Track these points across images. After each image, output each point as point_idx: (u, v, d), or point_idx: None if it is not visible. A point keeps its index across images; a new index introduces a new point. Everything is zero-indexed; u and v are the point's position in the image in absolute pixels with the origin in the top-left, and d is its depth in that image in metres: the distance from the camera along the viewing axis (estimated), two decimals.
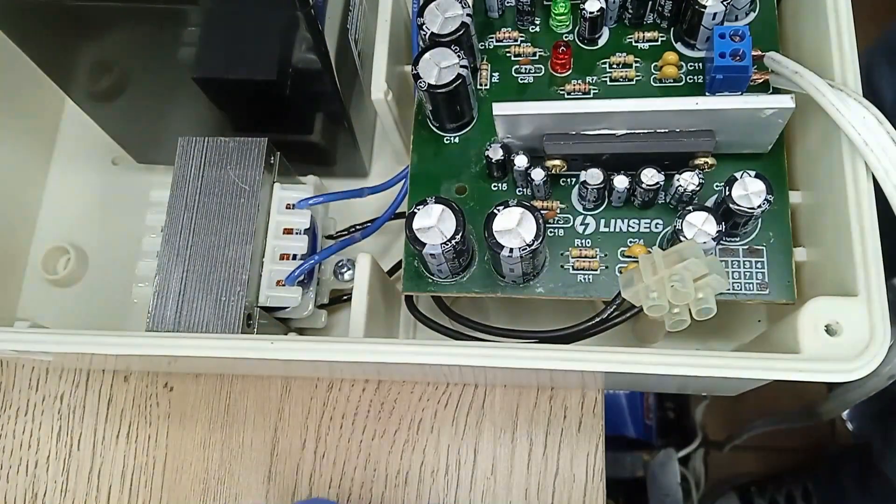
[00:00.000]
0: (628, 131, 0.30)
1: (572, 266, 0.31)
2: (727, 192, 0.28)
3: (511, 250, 0.28)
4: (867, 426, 0.72)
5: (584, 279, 0.31)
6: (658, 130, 0.29)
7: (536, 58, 0.34)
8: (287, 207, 0.36)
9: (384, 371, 0.37)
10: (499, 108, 0.29)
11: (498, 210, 0.29)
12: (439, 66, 0.31)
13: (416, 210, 0.29)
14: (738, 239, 0.31)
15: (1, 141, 0.41)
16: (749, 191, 0.28)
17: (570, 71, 0.34)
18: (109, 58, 0.35)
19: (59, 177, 0.45)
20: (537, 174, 0.31)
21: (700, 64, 0.33)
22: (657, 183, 0.30)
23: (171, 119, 0.39)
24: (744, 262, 0.31)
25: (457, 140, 0.34)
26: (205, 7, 0.30)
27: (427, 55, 0.31)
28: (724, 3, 0.30)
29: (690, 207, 0.29)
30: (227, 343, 0.30)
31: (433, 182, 0.33)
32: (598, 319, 0.31)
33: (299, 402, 0.39)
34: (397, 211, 0.36)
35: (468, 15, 0.32)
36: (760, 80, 0.31)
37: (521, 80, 0.34)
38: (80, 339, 0.31)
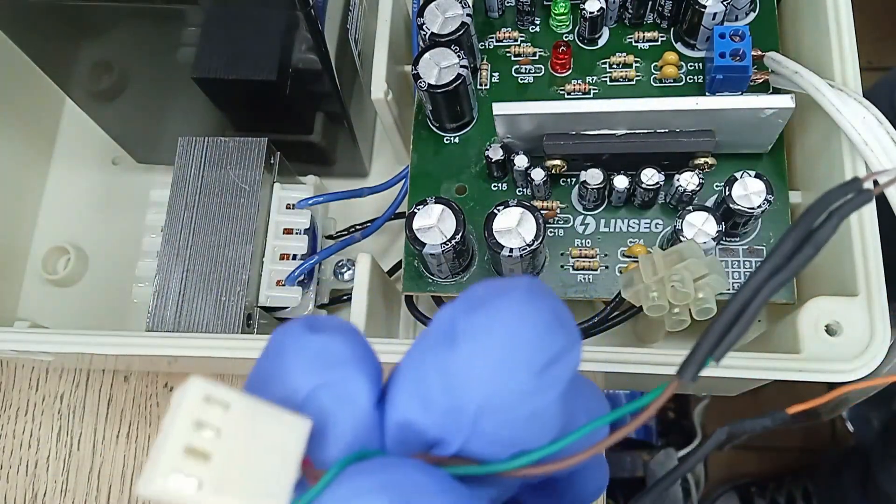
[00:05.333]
0: (628, 131, 0.30)
1: (572, 266, 0.31)
2: (727, 192, 0.28)
3: (511, 250, 0.28)
4: (869, 435, 0.72)
5: (584, 279, 0.31)
6: (658, 130, 0.29)
7: (536, 58, 0.34)
8: (287, 207, 0.36)
9: (384, 371, 0.37)
10: (499, 108, 0.29)
11: (498, 210, 0.29)
12: (439, 66, 0.31)
13: (416, 210, 0.29)
14: (738, 239, 0.31)
15: (1, 141, 0.41)
16: (749, 191, 0.28)
17: (570, 71, 0.34)
18: (109, 58, 0.35)
19: (59, 177, 0.45)
20: (537, 174, 0.31)
21: (700, 64, 0.33)
22: (657, 183, 0.30)
23: (171, 119, 0.39)
24: (744, 262, 0.31)
25: (457, 140, 0.34)
26: (205, 7, 0.30)
27: (427, 55, 0.31)
28: (724, 3, 0.30)
29: (690, 207, 0.29)
30: (227, 343, 0.30)
31: (433, 182, 0.33)
32: (597, 319, 0.31)
33: None
34: (397, 211, 0.36)
35: (468, 15, 0.32)
36: (760, 80, 0.31)
37: (521, 80, 0.34)
38: (80, 339, 0.31)
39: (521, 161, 0.31)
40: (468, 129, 0.34)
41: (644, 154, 0.30)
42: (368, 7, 0.37)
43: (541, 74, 0.34)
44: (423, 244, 0.29)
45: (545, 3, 0.34)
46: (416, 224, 0.29)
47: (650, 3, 0.33)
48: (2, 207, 0.41)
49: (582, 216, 0.32)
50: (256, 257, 0.34)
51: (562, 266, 0.31)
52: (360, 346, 0.15)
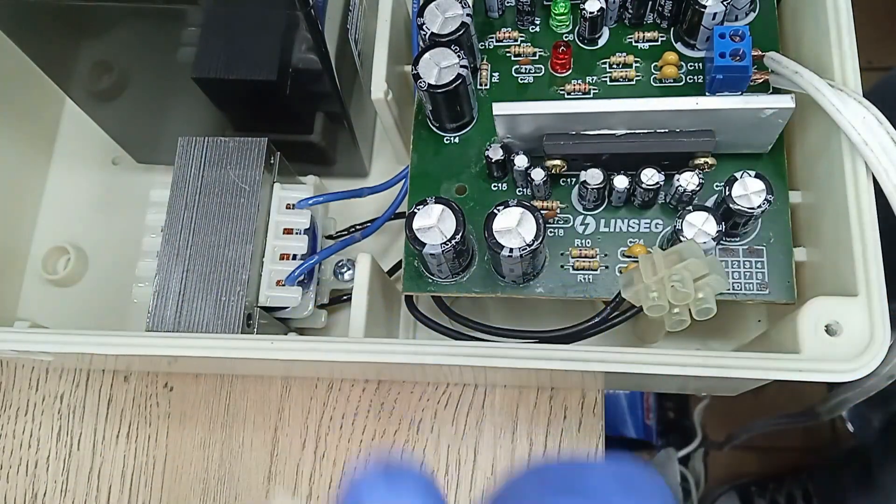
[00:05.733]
0: (628, 131, 0.30)
1: (572, 266, 0.31)
2: (727, 192, 0.28)
3: (511, 250, 0.28)
4: (870, 433, 0.72)
5: (584, 279, 0.31)
6: (658, 130, 0.29)
7: (536, 58, 0.34)
8: (287, 207, 0.36)
9: (384, 371, 0.37)
10: (499, 108, 0.29)
11: (498, 210, 0.29)
12: (439, 66, 0.31)
13: (416, 210, 0.29)
14: (738, 239, 0.31)
15: (1, 141, 0.41)
16: (749, 191, 0.28)
17: (570, 71, 0.34)
18: (109, 58, 0.35)
19: (59, 177, 0.45)
20: (537, 174, 0.31)
21: (700, 64, 0.33)
22: (657, 183, 0.30)
23: (171, 119, 0.39)
24: (744, 262, 0.30)
25: (457, 140, 0.34)
26: (204, 7, 0.30)
27: (427, 55, 0.31)
28: (724, 3, 0.30)
29: (690, 207, 0.29)
30: (227, 343, 0.30)
31: (433, 182, 0.33)
32: (598, 319, 0.31)
33: (299, 402, 0.39)
34: (397, 211, 0.36)
35: (468, 15, 0.32)
36: (760, 80, 0.31)
37: (521, 80, 0.34)
38: (80, 339, 0.31)
39: (521, 161, 0.31)
40: (468, 129, 0.34)
41: (644, 154, 0.30)
42: (368, 7, 0.37)
43: (541, 74, 0.34)
44: (423, 244, 0.29)
45: (545, 3, 0.34)
46: (416, 224, 0.29)
47: (650, 3, 0.33)
48: (2, 207, 0.41)
49: (582, 216, 0.32)
50: (256, 257, 0.34)
51: (562, 266, 0.31)
52: (431, 500, 0.17)
